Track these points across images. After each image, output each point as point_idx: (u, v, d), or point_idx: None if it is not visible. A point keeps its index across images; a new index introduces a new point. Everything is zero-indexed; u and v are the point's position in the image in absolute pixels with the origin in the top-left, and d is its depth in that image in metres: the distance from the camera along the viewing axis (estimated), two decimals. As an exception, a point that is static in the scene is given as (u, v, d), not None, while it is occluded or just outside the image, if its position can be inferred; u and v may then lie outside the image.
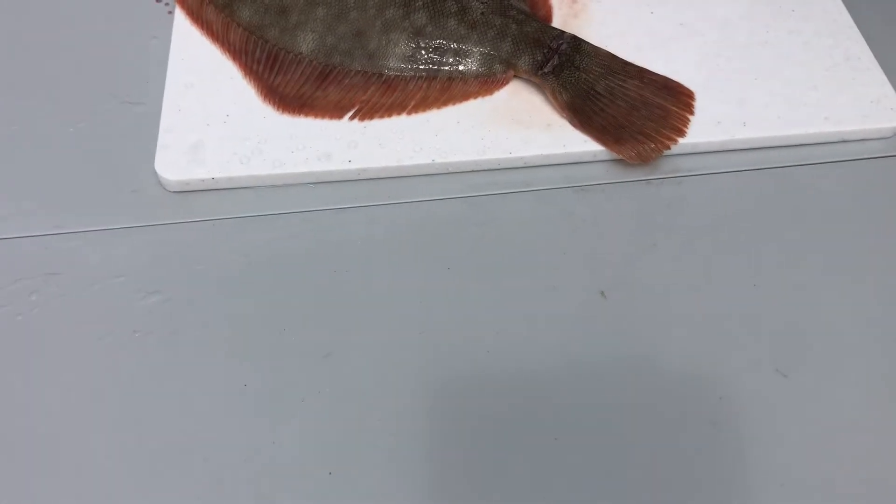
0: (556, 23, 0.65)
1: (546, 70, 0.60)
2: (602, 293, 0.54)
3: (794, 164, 0.60)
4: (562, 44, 0.60)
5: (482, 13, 0.61)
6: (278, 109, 0.60)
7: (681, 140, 0.58)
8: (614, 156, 0.59)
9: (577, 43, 0.61)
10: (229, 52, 0.63)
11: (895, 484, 0.47)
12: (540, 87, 0.61)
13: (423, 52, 0.61)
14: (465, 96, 0.61)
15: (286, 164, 0.58)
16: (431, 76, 0.61)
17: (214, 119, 0.60)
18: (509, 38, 0.61)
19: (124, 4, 0.68)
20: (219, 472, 0.47)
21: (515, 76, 0.62)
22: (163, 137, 0.59)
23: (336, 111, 0.60)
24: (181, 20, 0.65)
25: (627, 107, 0.59)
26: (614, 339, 0.52)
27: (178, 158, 0.58)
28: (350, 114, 0.60)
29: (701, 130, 0.59)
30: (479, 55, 0.61)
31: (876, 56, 0.63)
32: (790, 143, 0.60)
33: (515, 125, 0.60)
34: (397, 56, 0.61)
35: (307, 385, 0.50)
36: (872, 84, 0.62)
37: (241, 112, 0.60)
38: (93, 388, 0.50)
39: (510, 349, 0.51)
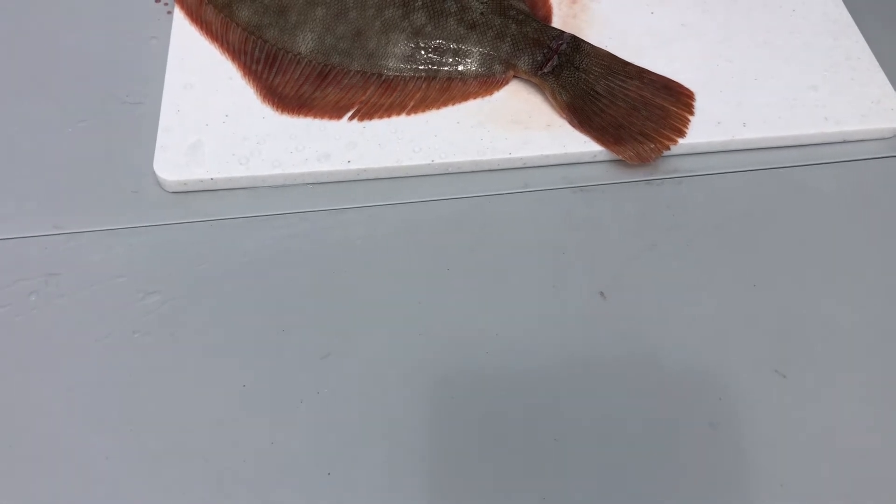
0: (556, 23, 0.65)
1: (546, 70, 0.60)
2: (602, 293, 0.53)
3: (794, 164, 0.59)
4: (561, 44, 0.60)
5: (482, 13, 0.61)
6: (277, 109, 0.60)
7: (681, 140, 0.58)
8: (614, 156, 0.59)
9: (576, 43, 0.61)
10: (228, 52, 0.63)
11: (895, 484, 0.47)
12: (539, 88, 0.61)
13: (423, 52, 0.61)
14: (464, 97, 0.61)
15: (285, 165, 0.58)
16: (431, 76, 0.61)
17: (213, 119, 0.60)
18: (509, 39, 0.61)
19: (124, 4, 0.68)
20: (218, 472, 0.47)
21: (515, 76, 0.62)
22: (162, 138, 0.59)
23: (335, 111, 0.60)
24: (180, 20, 0.65)
25: (627, 107, 0.59)
26: (614, 340, 0.52)
27: (177, 159, 0.58)
28: (349, 114, 0.60)
29: (701, 131, 0.59)
30: (479, 55, 0.61)
31: (876, 56, 0.63)
32: (790, 144, 0.60)
33: (515, 125, 0.60)
34: (396, 56, 0.61)
35: (306, 386, 0.50)
36: (872, 84, 0.62)
37: (240, 112, 0.60)
38: (92, 389, 0.50)
39: (509, 350, 0.51)
